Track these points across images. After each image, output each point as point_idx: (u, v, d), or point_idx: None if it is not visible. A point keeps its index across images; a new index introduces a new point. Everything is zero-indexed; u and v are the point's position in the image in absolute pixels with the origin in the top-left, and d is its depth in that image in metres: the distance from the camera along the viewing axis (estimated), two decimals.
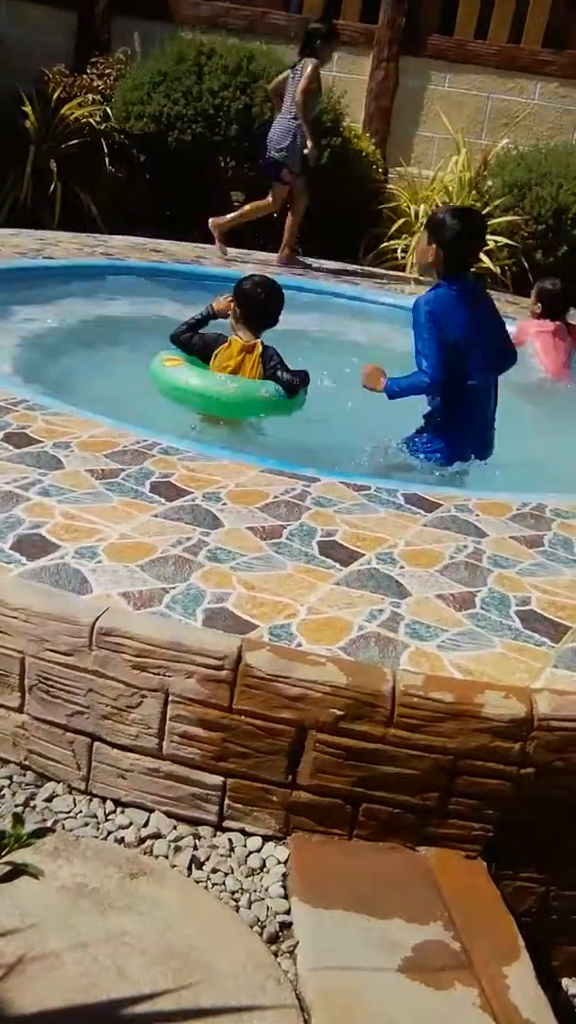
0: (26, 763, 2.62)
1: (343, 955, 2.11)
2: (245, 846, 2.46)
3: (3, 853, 1.37)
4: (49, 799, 2.54)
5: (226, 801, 2.48)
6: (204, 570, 2.82)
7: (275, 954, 2.14)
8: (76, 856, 2.28)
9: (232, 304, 4.81)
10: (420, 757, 2.38)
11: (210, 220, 8.33)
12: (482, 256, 9.05)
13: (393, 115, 10.47)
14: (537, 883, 2.49)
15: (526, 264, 9.06)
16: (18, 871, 1.38)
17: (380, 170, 10.06)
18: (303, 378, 4.68)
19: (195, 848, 2.43)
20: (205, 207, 9.04)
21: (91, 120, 9.16)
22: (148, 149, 9.28)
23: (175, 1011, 1.91)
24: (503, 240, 9.05)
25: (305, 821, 2.46)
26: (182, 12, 10.33)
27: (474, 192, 9.44)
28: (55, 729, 2.57)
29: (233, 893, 2.31)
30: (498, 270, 8.83)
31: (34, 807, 2.51)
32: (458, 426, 4.42)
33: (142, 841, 2.43)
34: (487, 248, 9.09)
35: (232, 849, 2.45)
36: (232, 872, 2.37)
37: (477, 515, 3.51)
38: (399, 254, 9.29)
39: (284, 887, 2.34)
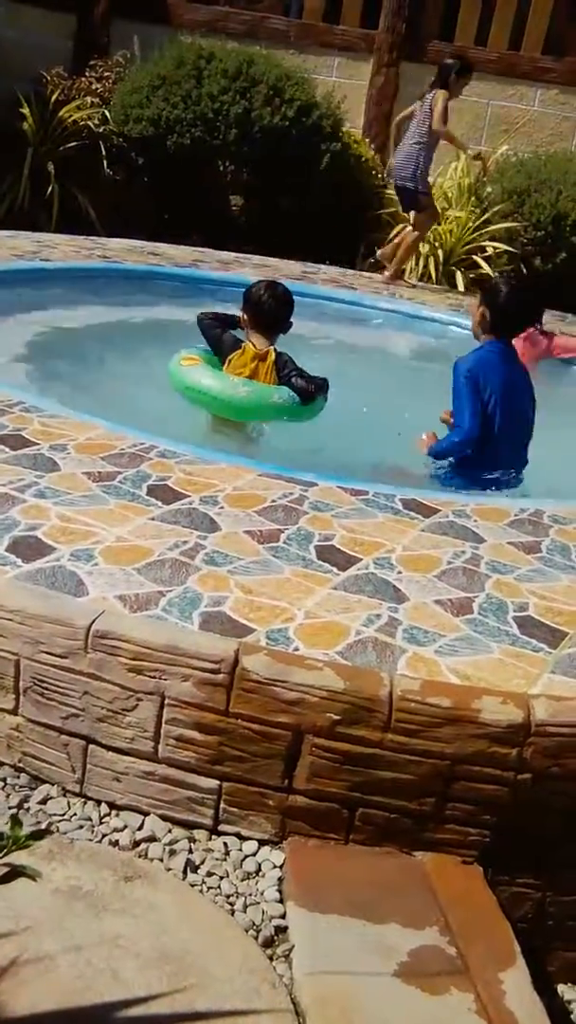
0: (20, 765, 2.61)
1: (339, 960, 2.10)
2: (241, 850, 2.45)
3: (1, 855, 1.36)
4: (43, 801, 2.53)
5: (222, 805, 2.48)
6: (201, 573, 2.81)
7: (270, 958, 2.13)
8: (70, 859, 2.27)
9: (243, 311, 4.81)
10: (417, 762, 2.37)
11: (379, 251, 8.69)
12: (480, 262, 9.09)
13: (393, 121, 10.47)
14: (533, 889, 2.48)
15: (525, 270, 9.07)
16: (16, 873, 1.37)
17: (379, 176, 10.07)
18: (319, 385, 4.66)
19: (190, 852, 2.42)
20: (203, 211, 9.05)
21: (89, 123, 9.16)
22: (146, 152, 9.29)
23: (169, 1015, 1.90)
24: (502, 246, 9.07)
25: (301, 825, 2.46)
26: (182, 16, 10.35)
27: (473, 198, 9.46)
28: (50, 731, 2.56)
29: (228, 897, 2.30)
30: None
31: (28, 809, 2.50)
32: (486, 465, 4.52)
33: (137, 844, 2.42)
34: (486, 254, 9.13)
35: (228, 853, 2.44)
36: (227, 876, 2.36)
37: (475, 520, 3.51)
38: None
39: (280, 891, 2.33)
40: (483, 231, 9.25)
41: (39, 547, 2.83)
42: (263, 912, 2.26)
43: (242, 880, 2.36)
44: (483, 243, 9.23)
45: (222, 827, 2.49)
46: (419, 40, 10.29)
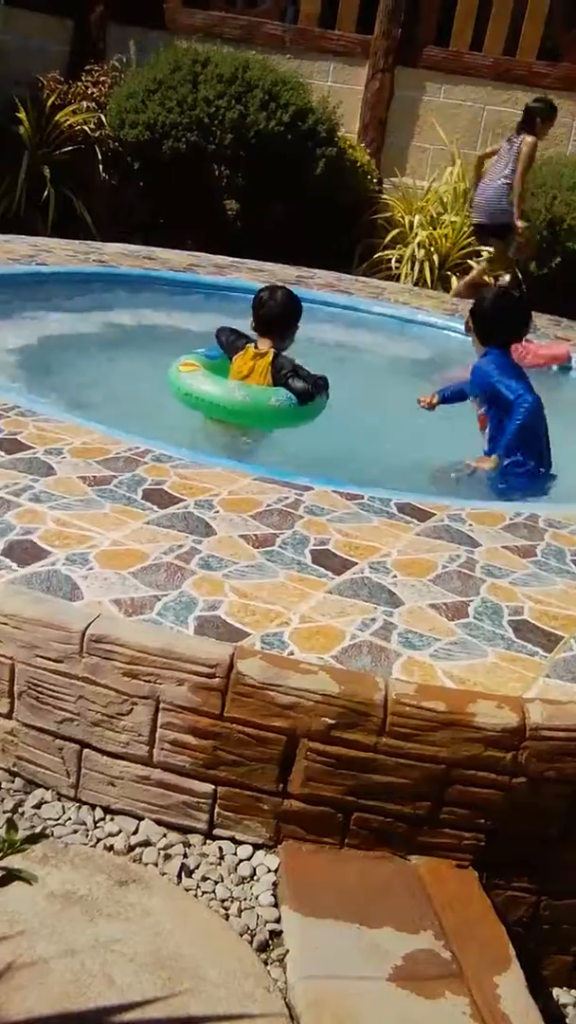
0: (15, 770, 2.61)
1: (333, 964, 2.10)
2: (235, 854, 2.45)
3: None
4: (38, 806, 2.52)
5: (216, 809, 2.47)
6: (196, 578, 2.81)
7: (265, 962, 2.13)
8: (65, 863, 2.27)
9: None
10: (412, 766, 2.37)
11: (452, 294, 8.78)
12: (475, 267, 9.10)
13: (388, 126, 10.51)
14: (528, 892, 2.48)
15: (519, 275, 9.08)
16: (11, 876, 1.37)
17: (375, 180, 10.09)
18: (318, 384, 4.67)
19: (185, 856, 2.42)
20: (199, 215, 9.05)
21: (85, 127, 9.17)
22: (142, 157, 9.29)
23: (164, 1019, 1.90)
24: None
25: (296, 829, 2.45)
26: (178, 21, 10.36)
27: (468, 203, 9.47)
28: (45, 736, 2.56)
29: (223, 901, 2.30)
30: (491, 281, 8.85)
31: (23, 814, 2.49)
32: (542, 463, 4.68)
33: (131, 849, 2.42)
34: (481, 259, 9.14)
35: (222, 857, 2.44)
36: (222, 880, 2.36)
37: (470, 525, 3.51)
38: (393, 264, 9.31)
39: (274, 895, 2.33)
40: None
41: (34, 551, 2.83)
42: (258, 916, 2.26)
43: (237, 884, 2.36)
44: (478, 248, 9.24)
45: (217, 831, 2.49)
46: (414, 45, 10.31)
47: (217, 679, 2.39)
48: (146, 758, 2.47)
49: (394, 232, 9.41)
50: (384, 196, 9.93)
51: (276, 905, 2.30)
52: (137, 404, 4.97)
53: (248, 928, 2.23)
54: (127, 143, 9.26)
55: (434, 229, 9.22)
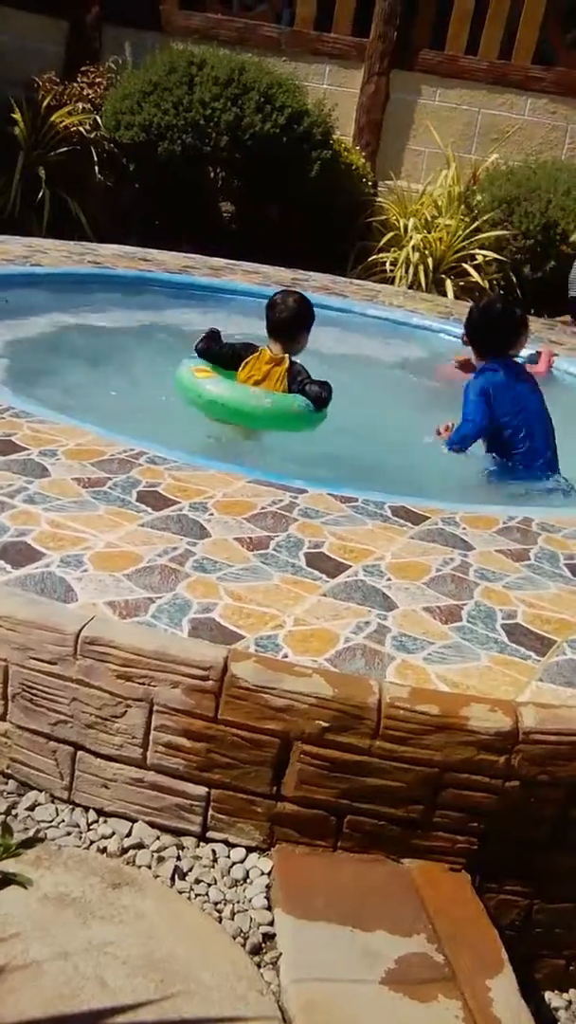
0: (8, 772, 2.61)
1: (326, 967, 2.10)
2: (229, 857, 2.45)
3: None
4: (31, 808, 2.52)
5: (210, 812, 2.48)
6: (190, 580, 2.81)
7: (258, 965, 2.13)
8: (58, 865, 2.27)
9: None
10: (405, 769, 2.38)
11: None
12: (470, 270, 9.12)
13: (383, 129, 10.52)
14: (521, 896, 2.49)
15: (514, 279, 9.10)
16: (7, 880, 1.37)
17: (370, 183, 10.10)
18: (328, 390, 4.73)
19: (178, 858, 2.42)
20: (194, 217, 9.05)
21: (81, 129, 9.17)
22: (138, 158, 9.29)
23: (157, 1022, 1.90)
24: (491, 255, 9.10)
25: (289, 832, 2.46)
26: (174, 23, 10.36)
27: (463, 207, 9.49)
28: (38, 738, 2.55)
29: (216, 904, 2.30)
30: (486, 284, 8.88)
31: (16, 816, 2.49)
32: (536, 456, 4.81)
33: (125, 851, 2.42)
34: (475, 263, 9.16)
35: (215, 860, 2.44)
36: (215, 883, 2.36)
37: (464, 528, 3.51)
38: (387, 267, 9.32)
39: (267, 898, 2.33)
40: (473, 239, 9.27)
41: (29, 553, 2.83)
42: (251, 919, 2.26)
43: (230, 887, 2.36)
44: (473, 251, 9.25)
45: (210, 834, 2.49)
46: (410, 48, 10.32)
47: (211, 682, 2.39)
48: (140, 760, 2.48)
49: (389, 235, 9.41)
50: (379, 199, 9.93)
51: (269, 908, 2.30)
52: (131, 405, 4.96)
53: (241, 931, 2.23)
54: (122, 144, 9.25)
55: (428, 232, 9.22)
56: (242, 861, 2.44)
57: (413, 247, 9.25)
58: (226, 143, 9.04)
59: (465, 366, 5.29)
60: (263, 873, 2.40)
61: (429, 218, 9.47)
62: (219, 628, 2.58)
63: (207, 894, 2.32)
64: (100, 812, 2.53)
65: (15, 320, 6.15)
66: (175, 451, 3.83)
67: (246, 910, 2.29)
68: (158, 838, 2.47)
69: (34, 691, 2.52)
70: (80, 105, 9.35)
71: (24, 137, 8.83)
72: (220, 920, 2.26)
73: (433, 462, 4.73)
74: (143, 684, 2.42)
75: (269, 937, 2.22)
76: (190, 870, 2.39)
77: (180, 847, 2.46)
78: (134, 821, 2.50)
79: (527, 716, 2.40)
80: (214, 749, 2.42)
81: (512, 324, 5.04)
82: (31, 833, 2.43)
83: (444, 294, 9.07)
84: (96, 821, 2.51)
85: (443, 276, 9.29)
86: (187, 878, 2.36)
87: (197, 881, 2.36)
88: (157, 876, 2.34)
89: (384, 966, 2.12)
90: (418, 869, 2.43)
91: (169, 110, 9.07)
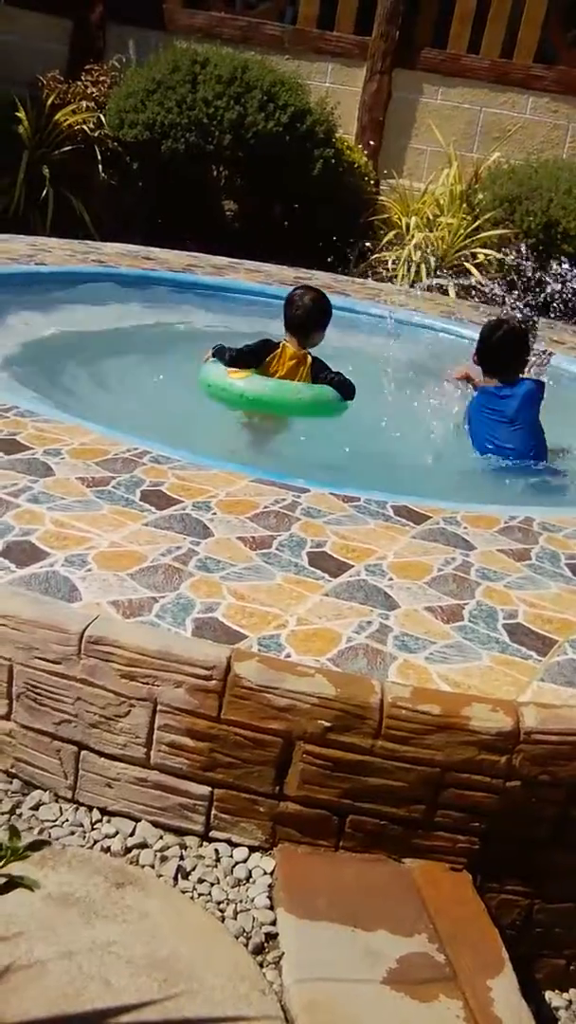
0: (12, 771, 2.62)
1: (328, 967, 2.11)
2: (231, 856, 2.46)
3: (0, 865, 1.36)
4: (35, 807, 2.53)
5: (213, 811, 2.49)
6: (194, 579, 2.82)
7: (260, 965, 2.14)
8: (62, 865, 2.28)
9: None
10: (407, 769, 2.38)
11: None
12: (471, 269, 9.11)
13: (386, 127, 10.51)
14: (522, 896, 2.50)
15: (516, 279, 9.09)
16: (14, 883, 1.38)
17: (372, 182, 10.10)
18: (350, 381, 4.99)
19: (181, 858, 2.43)
20: (197, 216, 9.05)
21: (85, 127, 9.16)
22: (141, 157, 9.29)
23: (160, 1021, 1.91)
24: (493, 253, 9.09)
25: (292, 832, 2.47)
26: (177, 21, 10.36)
27: (465, 205, 9.48)
28: (42, 737, 2.57)
29: (219, 903, 2.31)
30: (490, 279, 8.86)
31: (20, 815, 2.50)
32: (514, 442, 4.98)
33: (128, 850, 2.43)
34: (477, 261, 9.16)
35: (218, 859, 2.45)
36: (218, 882, 2.37)
37: (465, 528, 3.52)
38: (390, 265, 9.32)
39: (270, 898, 2.34)
40: (474, 238, 9.27)
41: (33, 552, 2.84)
42: (253, 919, 2.27)
43: (233, 887, 2.37)
44: (474, 250, 9.25)
45: (213, 833, 2.50)
46: (412, 47, 10.32)
47: (214, 681, 2.40)
48: (143, 760, 2.49)
49: (391, 234, 9.40)
50: (381, 197, 9.93)
51: (272, 907, 2.31)
52: (135, 404, 4.97)
53: (244, 930, 2.24)
54: (126, 143, 9.25)
55: (430, 231, 9.21)
56: (245, 861, 2.45)
57: (415, 246, 9.25)
58: (229, 141, 9.03)
59: (467, 379, 5.33)
60: (266, 873, 2.41)
61: (431, 217, 9.46)
62: (222, 628, 2.59)
63: (210, 894, 2.33)
64: (104, 811, 2.54)
65: (19, 319, 6.15)
66: (179, 450, 3.84)
67: (249, 910, 2.30)
68: (161, 837, 2.48)
69: (38, 690, 2.53)
70: (84, 104, 9.35)
71: (28, 136, 8.83)
72: (223, 920, 2.27)
73: (435, 462, 4.74)
74: (147, 684, 2.43)
75: (271, 937, 2.23)
76: (193, 869, 2.40)
77: (183, 846, 2.47)
78: (137, 820, 2.51)
79: (528, 716, 2.40)
80: (217, 749, 2.43)
81: (521, 348, 5.09)
82: (35, 832, 2.44)
83: (446, 293, 9.07)
84: (100, 820, 2.52)
85: (445, 274, 9.29)
86: (190, 877, 2.37)
87: (200, 881, 2.37)
88: (160, 876, 2.35)
89: (386, 966, 2.13)
90: (419, 869, 2.44)
91: (172, 108, 9.06)
